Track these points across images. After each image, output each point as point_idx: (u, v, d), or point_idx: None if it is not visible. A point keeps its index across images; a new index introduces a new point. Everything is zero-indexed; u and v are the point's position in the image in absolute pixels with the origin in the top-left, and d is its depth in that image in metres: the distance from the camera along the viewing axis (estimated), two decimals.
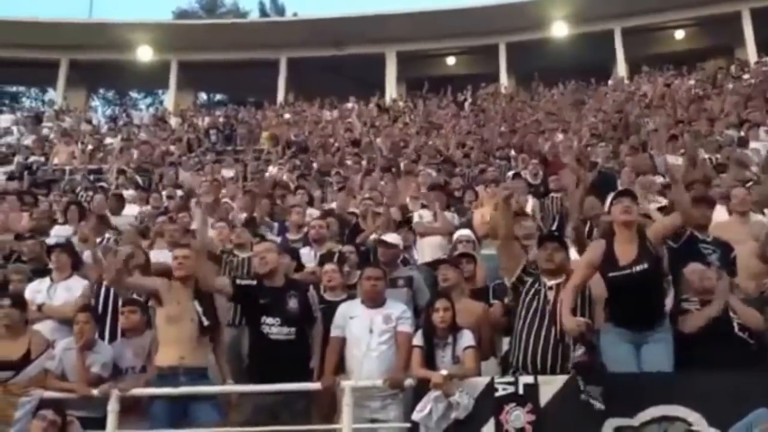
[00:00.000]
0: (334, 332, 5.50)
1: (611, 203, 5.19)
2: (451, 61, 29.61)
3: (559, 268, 5.13)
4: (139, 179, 14.10)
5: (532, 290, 5.13)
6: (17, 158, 17.41)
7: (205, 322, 5.49)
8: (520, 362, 5.01)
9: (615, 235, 5.08)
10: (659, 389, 4.65)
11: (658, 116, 14.88)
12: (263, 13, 38.13)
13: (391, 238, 6.75)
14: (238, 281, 5.75)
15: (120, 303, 6.19)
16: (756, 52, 23.86)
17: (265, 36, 27.79)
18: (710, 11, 25.21)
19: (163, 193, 12.41)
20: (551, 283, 5.09)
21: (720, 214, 6.67)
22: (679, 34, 27.54)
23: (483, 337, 5.58)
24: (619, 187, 8.77)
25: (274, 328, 5.46)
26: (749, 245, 5.93)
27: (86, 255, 7.21)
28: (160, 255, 7.57)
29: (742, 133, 12.22)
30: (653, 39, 27.38)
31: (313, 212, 9.32)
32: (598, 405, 4.51)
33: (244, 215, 9.70)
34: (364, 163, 13.82)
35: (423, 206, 9.13)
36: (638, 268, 4.87)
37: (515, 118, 17.96)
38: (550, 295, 5.05)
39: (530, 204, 9.10)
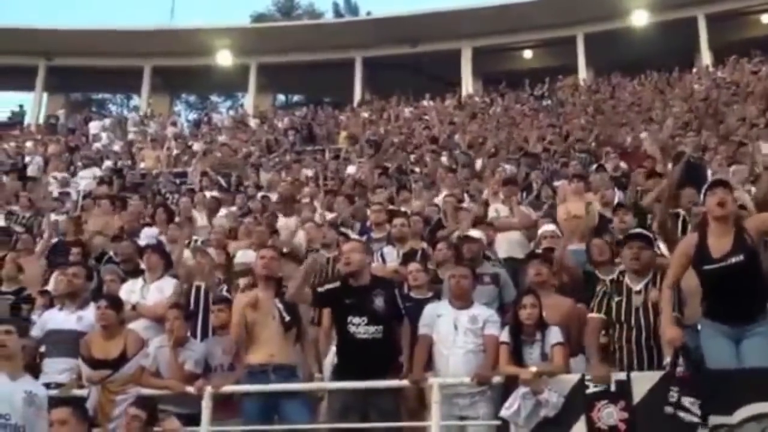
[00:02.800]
0: (423, 330, 5.50)
1: (705, 194, 5.04)
2: (527, 54, 29.30)
3: (644, 268, 5.06)
4: (222, 181, 14.44)
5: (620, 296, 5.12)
6: (106, 163, 18.06)
7: (286, 318, 5.57)
8: (616, 366, 4.99)
9: (708, 227, 4.94)
10: (759, 385, 4.48)
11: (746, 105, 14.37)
12: (337, 13, 38.42)
13: (475, 233, 6.72)
14: (318, 290, 5.79)
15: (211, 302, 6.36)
16: None
17: (339, 36, 28.07)
18: None
19: (246, 194, 12.67)
20: (638, 287, 5.10)
21: None
22: (766, 18, 26.47)
23: (572, 334, 5.50)
24: (710, 178, 8.60)
25: (360, 327, 5.45)
26: None
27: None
28: (245, 256, 7.75)
29: None
30: (738, 24, 26.47)
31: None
32: (689, 418, 4.40)
33: (329, 214, 9.84)
34: (443, 160, 13.77)
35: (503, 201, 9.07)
36: (733, 260, 4.71)
37: (596, 111, 17.62)
38: (637, 299, 5.03)
39: (617, 197, 8.92)
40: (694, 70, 22.74)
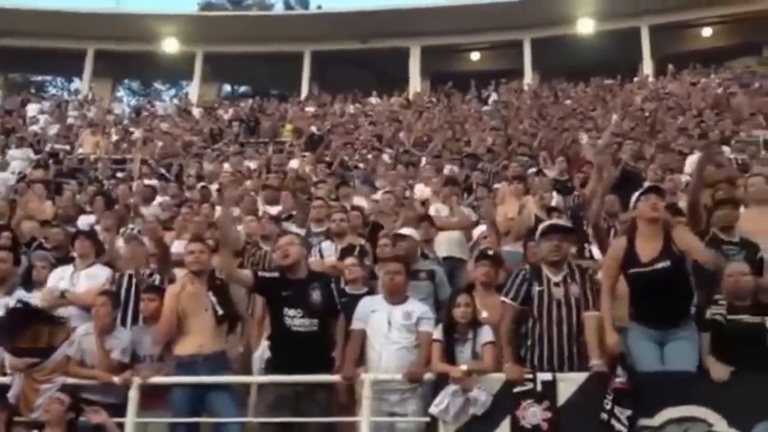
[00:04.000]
0: (356, 325, 5.50)
1: (638, 199, 5.15)
2: (475, 56, 29.54)
3: (562, 260, 5.12)
4: (162, 170, 14.21)
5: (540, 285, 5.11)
6: (44, 147, 17.61)
7: (220, 312, 5.52)
8: (536, 361, 5.00)
9: (637, 232, 5.04)
10: (681, 389, 4.61)
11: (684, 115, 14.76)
12: (288, 5, 38.14)
13: (407, 230, 6.74)
14: (260, 273, 5.74)
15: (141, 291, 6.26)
16: None
17: (289, 29, 27.89)
18: (739, 9, 24.89)
19: (186, 184, 12.49)
20: (557, 278, 5.09)
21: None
22: (707, 31, 27.24)
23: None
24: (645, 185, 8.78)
25: (296, 320, 5.41)
26: None
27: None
28: (181, 246, 7.63)
29: None
30: (680, 37, 27.15)
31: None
32: (619, 427, 4.49)
33: (273, 208, 9.77)
34: (386, 157, 13.80)
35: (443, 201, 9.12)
36: (660, 265, 4.85)
37: (540, 115, 17.87)
38: (558, 291, 5.04)
39: (555, 200, 9.05)
40: (636, 79, 23.22)
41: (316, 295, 5.50)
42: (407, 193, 10.42)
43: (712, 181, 8.65)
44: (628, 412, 4.53)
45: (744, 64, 23.31)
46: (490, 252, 6.40)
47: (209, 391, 5.40)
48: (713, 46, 26.53)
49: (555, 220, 5.88)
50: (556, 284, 5.07)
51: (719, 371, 4.60)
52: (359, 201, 9.93)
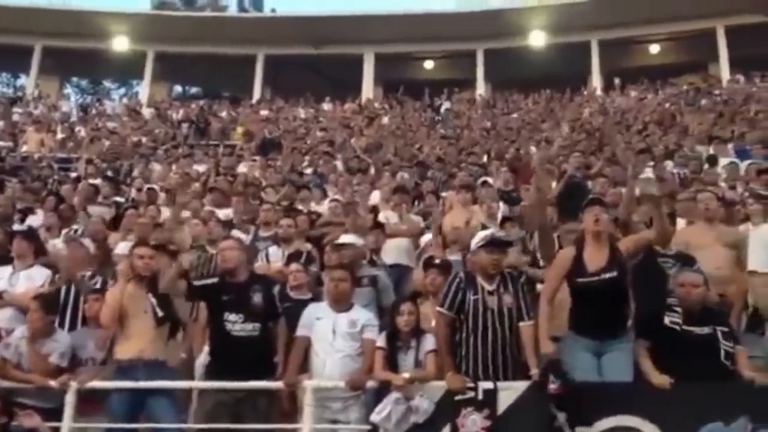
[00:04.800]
0: (300, 331, 5.46)
1: (583, 211, 5.23)
2: (428, 65, 29.74)
3: (498, 272, 5.16)
4: (108, 170, 13.97)
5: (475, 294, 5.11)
6: None
7: (160, 314, 5.46)
8: (470, 369, 5.00)
9: (585, 243, 5.12)
10: (617, 399, 4.68)
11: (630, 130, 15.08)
12: (242, 8, 37.84)
13: (349, 238, 6.75)
14: (194, 283, 5.67)
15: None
16: (729, 69, 24.26)
17: (242, 31, 27.72)
18: (685, 27, 25.66)
19: (133, 185, 12.31)
20: (490, 287, 5.10)
21: (680, 226, 6.74)
22: (655, 48, 27.90)
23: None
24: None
25: (237, 324, 5.37)
26: (714, 250, 5.98)
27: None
28: (125, 248, 7.50)
29: (711, 150, 12.38)
30: (629, 52, 27.73)
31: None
32: (568, 430, 4.55)
33: (221, 211, 9.69)
34: (338, 164, 13.79)
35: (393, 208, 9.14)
36: (607, 275, 4.92)
37: (491, 125, 18.06)
38: (491, 300, 5.05)
39: (501, 210, 9.13)
40: (585, 92, 23.63)
41: (257, 299, 5.47)
42: (357, 200, 10.41)
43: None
44: (565, 414, 4.58)
45: (689, 81, 23.94)
46: (437, 260, 6.41)
47: (149, 397, 5.31)
48: (660, 63, 27.19)
49: (495, 232, 5.90)
50: (490, 293, 5.08)
51: (660, 379, 4.68)
52: (316, 207, 9.90)
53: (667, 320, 4.99)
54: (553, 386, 4.61)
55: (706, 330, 4.90)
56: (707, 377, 4.69)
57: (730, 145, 12.56)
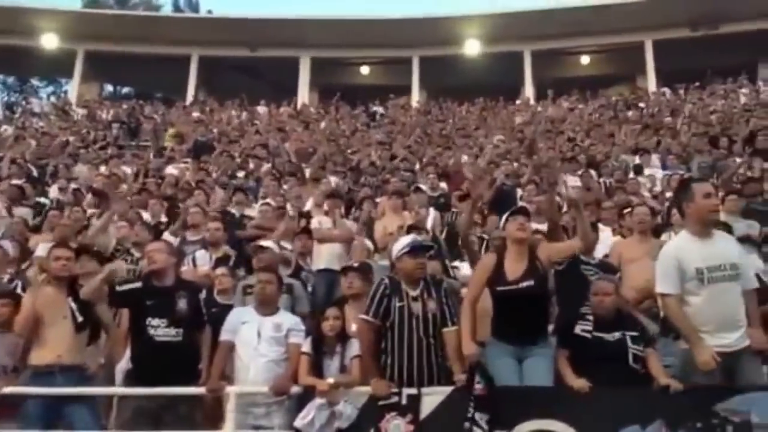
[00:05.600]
0: (224, 336, 5.40)
1: (506, 220, 5.32)
2: (364, 70, 29.82)
3: (422, 278, 5.20)
4: (33, 170, 13.57)
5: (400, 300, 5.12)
6: None
7: (79, 319, 5.34)
8: (395, 375, 5.00)
9: (506, 251, 5.20)
10: (538, 403, 4.75)
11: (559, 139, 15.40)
12: (177, 8, 37.34)
13: (267, 243, 6.73)
14: (117, 288, 5.55)
15: None
16: (655, 82, 24.99)
17: (177, 31, 27.30)
18: (615, 40, 26.32)
19: (55, 186, 12.02)
20: (414, 293, 5.12)
21: (605, 235, 6.90)
22: (585, 60, 28.56)
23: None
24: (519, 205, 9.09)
25: (160, 329, 5.28)
26: (644, 263, 6.13)
27: None
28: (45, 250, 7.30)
29: (637, 160, 12.73)
30: (561, 63, 28.30)
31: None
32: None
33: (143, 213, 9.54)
34: (270, 167, 13.68)
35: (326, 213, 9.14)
36: (525, 284, 5.00)
37: (424, 132, 18.18)
38: (416, 306, 5.07)
39: (431, 217, 9.20)
40: (518, 102, 24.02)
41: (182, 304, 5.39)
42: (288, 205, 10.36)
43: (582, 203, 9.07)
44: (487, 417, 4.63)
45: (618, 92, 24.60)
46: (355, 264, 6.43)
47: (66, 404, 5.18)
48: (591, 74, 27.82)
49: (419, 238, 5.94)
50: (414, 299, 5.10)
51: (579, 383, 4.77)
52: (249, 211, 9.82)
53: (578, 329, 5.11)
54: (478, 386, 4.66)
55: (616, 335, 5.04)
56: (617, 381, 4.80)
57: (654, 156, 12.94)
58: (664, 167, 12.20)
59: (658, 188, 10.93)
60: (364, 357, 5.09)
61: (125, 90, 33.39)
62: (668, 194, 10.12)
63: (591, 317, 5.14)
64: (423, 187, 10.41)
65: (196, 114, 21.89)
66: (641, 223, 6.82)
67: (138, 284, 5.55)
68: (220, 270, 6.32)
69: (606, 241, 7.01)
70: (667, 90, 22.91)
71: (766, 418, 4.50)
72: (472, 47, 27.08)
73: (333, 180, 11.97)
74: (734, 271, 4.69)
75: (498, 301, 5.09)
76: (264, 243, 6.72)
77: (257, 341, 5.32)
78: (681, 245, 4.82)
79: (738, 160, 11.65)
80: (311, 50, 27.64)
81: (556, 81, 25.80)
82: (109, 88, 33.41)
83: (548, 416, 4.68)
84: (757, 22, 24.39)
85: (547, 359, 4.97)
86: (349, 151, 15.85)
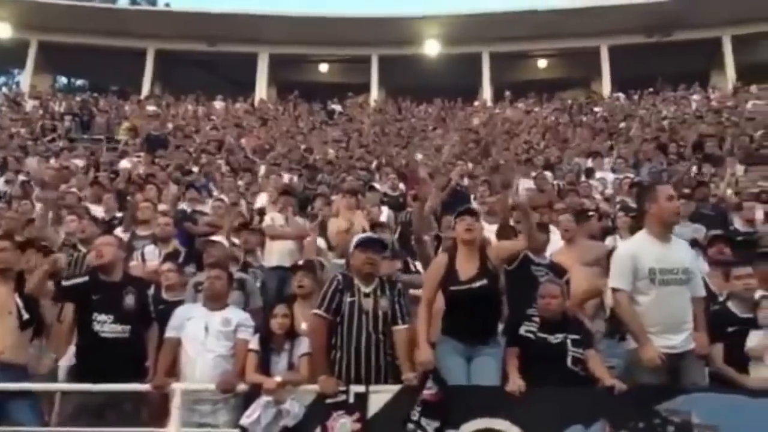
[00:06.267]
0: (170, 333, 5.32)
1: (455, 221, 5.34)
2: (323, 68, 29.70)
3: (375, 273, 5.20)
4: None
5: (352, 296, 5.13)
6: None
7: (25, 316, 5.23)
8: (344, 371, 5.00)
9: (457, 251, 5.22)
10: (484, 402, 4.78)
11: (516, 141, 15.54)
12: (133, 0, 36.80)
13: (218, 237, 6.68)
14: (63, 283, 5.44)
15: None
16: (610, 87, 25.35)
17: (133, 24, 26.86)
18: (572, 44, 26.64)
19: (2, 178, 11.78)
20: (367, 289, 5.13)
21: (557, 237, 6.98)
22: (542, 63, 28.85)
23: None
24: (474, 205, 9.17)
25: (106, 325, 5.21)
26: (574, 270, 6.21)
27: None
28: None
29: (590, 163, 12.90)
30: (518, 66, 28.53)
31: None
32: None
33: (99, 208, 9.40)
34: (222, 163, 13.58)
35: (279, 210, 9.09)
36: (478, 283, 5.02)
37: (382, 131, 18.20)
38: (367, 303, 5.08)
39: (385, 214, 9.21)
40: (476, 103, 24.17)
41: (129, 300, 5.32)
42: (241, 201, 10.30)
43: (535, 205, 9.19)
44: (436, 424, 4.64)
45: (574, 96, 24.91)
46: (302, 262, 6.42)
47: (8, 400, 5.05)
48: (548, 77, 28.12)
49: (369, 234, 5.94)
50: (366, 295, 5.10)
51: (513, 385, 4.81)
52: (202, 208, 9.73)
53: (522, 330, 5.16)
54: (428, 392, 4.67)
55: (559, 338, 5.09)
56: (557, 382, 4.86)
57: (606, 159, 13.12)
58: (615, 171, 12.39)
59: (609, 191, 11.09)
60: (315, 353, 5.07)
61: (79, 82, 32.76)
62: (618, 198, 10.29)
63: (537, 318, 5.19)
64: (377, 185, 10.41)
65: (151, 108, 21.57)
66: (566, 231, 6.95)
67: (84, 279, 5.46)
68: (167, 266, 6.23)
69: (558, 242, 7.08)
70: (621, 95, 23.26)
71: (706, 418, 4.59)
72: (431, 48, 27.17)
73: (287, 177, 11.93)
74: (686, 276, 4.83)
75: (450, 301, 5.10)
76: (215, 238, 6.65)
77: (204, 336, 5.25)
78: (638, 244, 4.96)
79: (687, 165, 11.90)
80: (270, 46, 27.44)
81: (514, 84, 26.05)
82: (63, 79, 32.77)
83: (494, 415, 4.70)
84: (712, 30, 24.96)
85: (495, 359, 5.00)
86: (303, 147, 15.78)
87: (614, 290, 4.93)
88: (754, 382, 5.03)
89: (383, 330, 5.03)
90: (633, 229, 7.42)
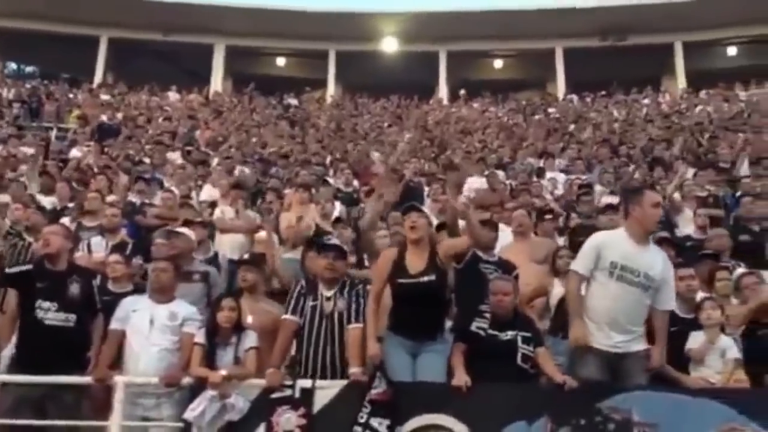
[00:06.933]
0: (114, 324, 5.28)
1: (402, 217, 5.37)
2: (281, 61, 29.48)
3: (338, 277, 5.26)
4: None
5: (314, 300, 5.19)
6: None
7: None
8: (302, 373, 5.03)
9: (407, 246, 5.24)
10: (430, 398, 4.82)
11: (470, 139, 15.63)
12: None
13: (184, 228, 6.61)
14: (7, 270, 5.34)
15: None
16: (564, 89, 25.67)
17: (84, 10, 26.16)
18: (527, 45, 26.92)
19: None
20: (329, 293, 5.20)
21: (506, 235, 7.04)
22: (498, 63, 29.07)
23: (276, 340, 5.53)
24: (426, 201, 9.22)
25: (50, 313, 5.14)
26: (524, 267, 6.29)
27: None
28: None
29: (541, 163, 13.03)
30: (475, 65, 28.69)
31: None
32: None
33: (47, 198, 9.23)
34: (173, 155, 13.38)
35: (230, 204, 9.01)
36: (426, 278, 5.07)
37: (338, 127, 18.15)
38: (328, 306, 5.15)
39: (338, 210, 9.19)
40: (431, 101, 24.26)
41: (74, 289, 5.26)
42: (193, 193, 10.17)
43: (486, 203, 9.28)
44: (387, 422, 4.66)
45: (528, 97, 25.16)
46: (246, 257, 6.41)
47: None
48: (503, 78, 28.32)
49: (333, 240, 5.94)
50: (328, 299, 5.18)
51: (458, 381, 4.84)
52: (151, 199, 9.58)
53: (473, 326, 5.20)
54: (375, 391, 4.68)
55: (509, 335, 5.14)
56: (506, 379, 4.92)
57: (558, 160, 13.27)
58: (566, 172, 12.53)
59: (559, 191, 11.22)
60: (276, 352, 5.10)
61: (29, 69, 31.97)
62: (569, 198, 10.42)
63: (488, 315, 5.23)
64: (330, 180, 10.39)
65: (103, 97, 21.17)
66: (520, 226, 7.04)
67: (29, 266, 5.38)
68: (114, 257, 6.13)
69: (507, 240, 7.14)
70: (574, 97, 23.54)
71: (646, 416, 4.69)
72: (389, 44, 27.18)
73: (240, 169, 11.83)
74: (647, 281, 4.86)
75: (397, 295, 5.13)
76: (180, 229, 6.58)
77: (149, 329, 5.22)
78: (611, 237, 5.06)
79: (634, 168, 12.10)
80: (227, 38, 27.16)
81: (470, 83, 26.20)
82: (13, 65, 31.94)
83: (438, 411, 4.75)
84: (666, 35, 25.43)
85: (441, 355, 5.04)
86: (259, 141, 15.66)
87: (570, 271, 5.02)
88: (695, 383, 5.13)
89: (340, 332, 5.09)
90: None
